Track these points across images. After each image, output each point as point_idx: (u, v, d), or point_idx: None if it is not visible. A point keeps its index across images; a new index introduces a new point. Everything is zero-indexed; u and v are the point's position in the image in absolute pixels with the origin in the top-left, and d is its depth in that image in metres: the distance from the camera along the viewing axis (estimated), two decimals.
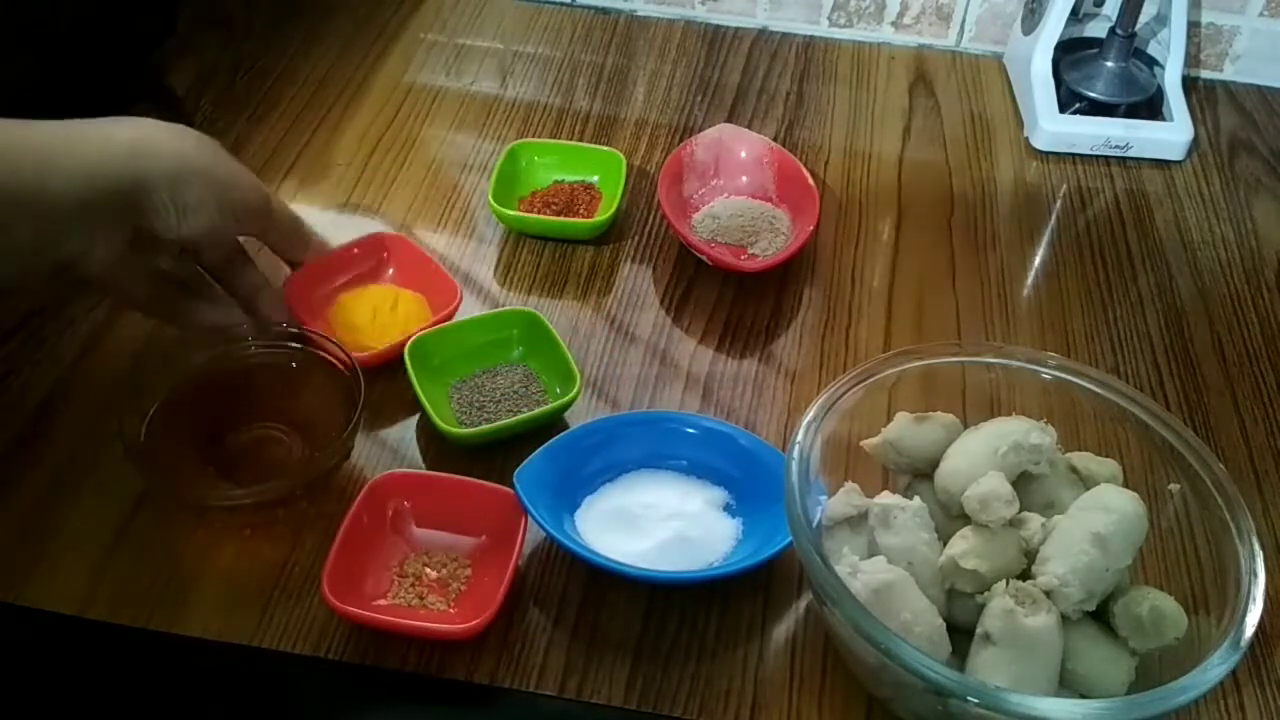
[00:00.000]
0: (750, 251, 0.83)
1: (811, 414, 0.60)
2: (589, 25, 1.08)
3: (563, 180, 0.88)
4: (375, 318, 0.74)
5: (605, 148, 0.89)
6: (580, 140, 0.93)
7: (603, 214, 0.83)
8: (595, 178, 0.88)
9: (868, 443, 0.62)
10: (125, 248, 0.61)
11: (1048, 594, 0.54)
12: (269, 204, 0.68)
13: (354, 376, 0.67)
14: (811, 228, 0.82)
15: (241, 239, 0.71)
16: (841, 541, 0.59)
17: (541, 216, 0.84)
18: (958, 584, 0.56)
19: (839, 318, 0.80)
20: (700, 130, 0.91)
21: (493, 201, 0.82)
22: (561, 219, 0.83)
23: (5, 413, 0.70)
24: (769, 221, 0.85)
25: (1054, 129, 0.95)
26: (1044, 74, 0.97)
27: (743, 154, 0.89)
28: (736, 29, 1.08)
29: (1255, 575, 0.54)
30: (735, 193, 0.88)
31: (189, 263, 0.69)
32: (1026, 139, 0.97)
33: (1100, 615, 0.56)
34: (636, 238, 0.85)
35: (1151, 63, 1.00)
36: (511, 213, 0.83)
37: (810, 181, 0.85)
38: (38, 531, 0.65)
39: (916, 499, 0.59)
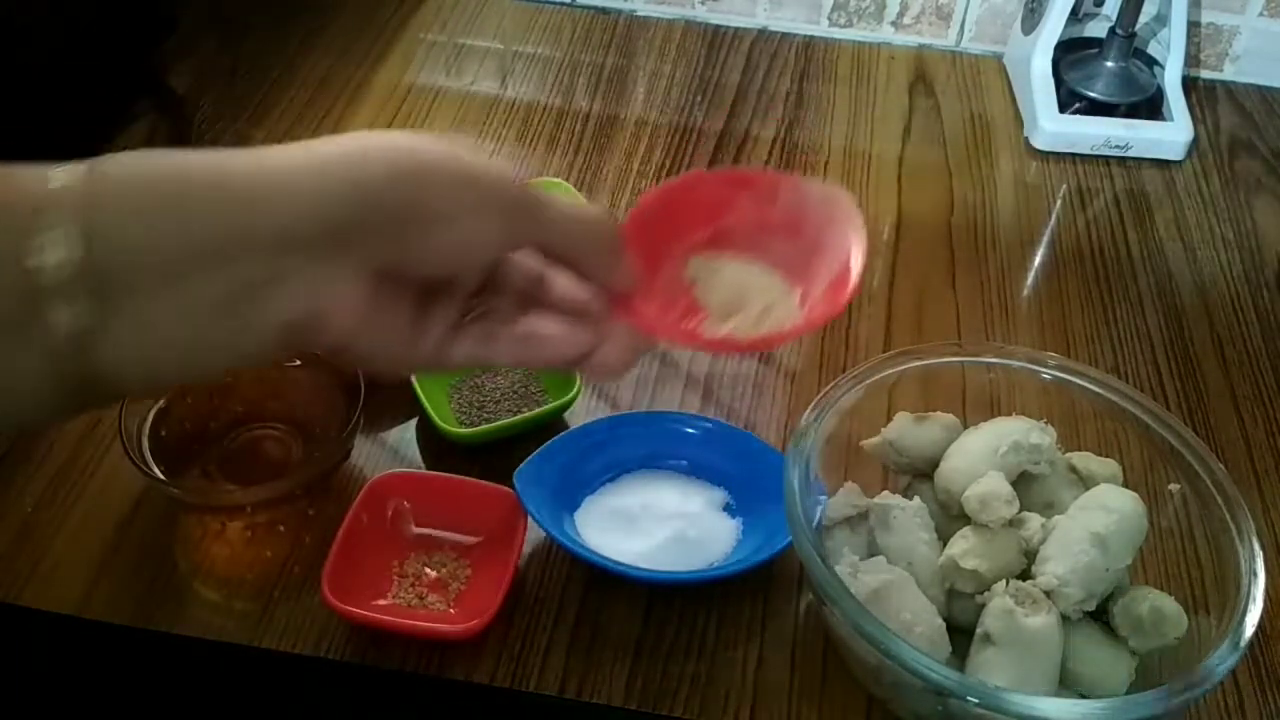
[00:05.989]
0: None
1: (811, 414, 0.60)
2: (589, 25, 1.08)
3: None
4: None
5: None
6: (580, 140, 0.93)
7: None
8: None
9: (868, 443, 0.62)
10: (370, 289, 0.41)
11: (1048, 594, 0.54)
12: (539, 199, 0.42)
13: (354, 376, 0.67)
14: None
15: None
16: (841, 541, 0.59)
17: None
18: (958, 584, 0.56)
19: (839, 318, 0.80)
20: (700, 130, 0.91)
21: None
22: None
23: None
24: None
25: (1054, 129, 0.95)
26: (1044, 74, 0.97)
27: None
28: (736, 29, 1.08)
29: (1255, 575, 0.54)
30: None
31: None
32: (1026, 139, 0.97)
33: (1100, 615, 0.56)
34: None
35: (1151, 63, 1.00)
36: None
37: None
38: (38, 531, 0.65)
39: (916, 499, 0.59)
